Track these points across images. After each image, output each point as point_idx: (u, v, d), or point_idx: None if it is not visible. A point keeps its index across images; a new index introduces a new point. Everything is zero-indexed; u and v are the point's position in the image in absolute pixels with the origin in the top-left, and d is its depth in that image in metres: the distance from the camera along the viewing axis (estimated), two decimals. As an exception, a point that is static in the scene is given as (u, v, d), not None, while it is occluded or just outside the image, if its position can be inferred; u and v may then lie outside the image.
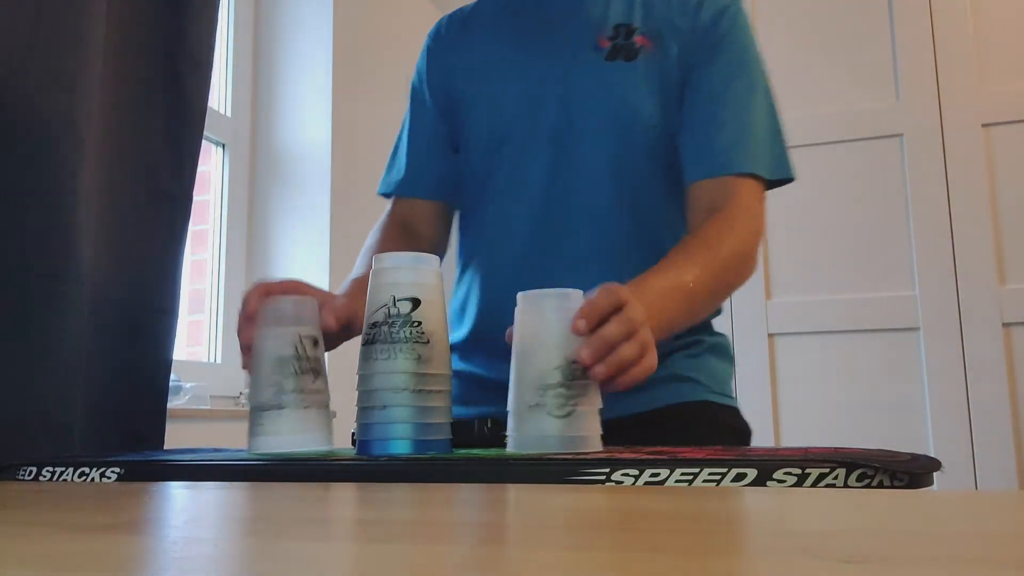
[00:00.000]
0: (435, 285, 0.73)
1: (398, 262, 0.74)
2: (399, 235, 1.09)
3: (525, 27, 1.08)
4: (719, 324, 1.08)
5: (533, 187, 1.00)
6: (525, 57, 1.05)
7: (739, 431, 1.02)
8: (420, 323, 0.71)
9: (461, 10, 1.16)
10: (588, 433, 0.69)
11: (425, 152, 1.12)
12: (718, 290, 0.94)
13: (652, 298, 0.79)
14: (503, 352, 0.73)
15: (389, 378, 0.70)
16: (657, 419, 0.96)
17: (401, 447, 0.70)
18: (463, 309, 1.06)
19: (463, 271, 1.08)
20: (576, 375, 0.68)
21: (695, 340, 1.01)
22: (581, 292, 0.72)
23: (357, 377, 0.72)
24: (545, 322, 0.70)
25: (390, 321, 0.71)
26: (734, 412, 1.03)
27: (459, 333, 1.06)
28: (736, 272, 0.94)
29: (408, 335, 0.70)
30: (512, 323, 0.72)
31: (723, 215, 0.93)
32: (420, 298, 0.71)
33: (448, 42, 1.14)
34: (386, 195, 1.15)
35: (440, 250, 1.13)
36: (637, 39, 1.01)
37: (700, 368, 1.00)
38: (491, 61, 1.07)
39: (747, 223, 0.94)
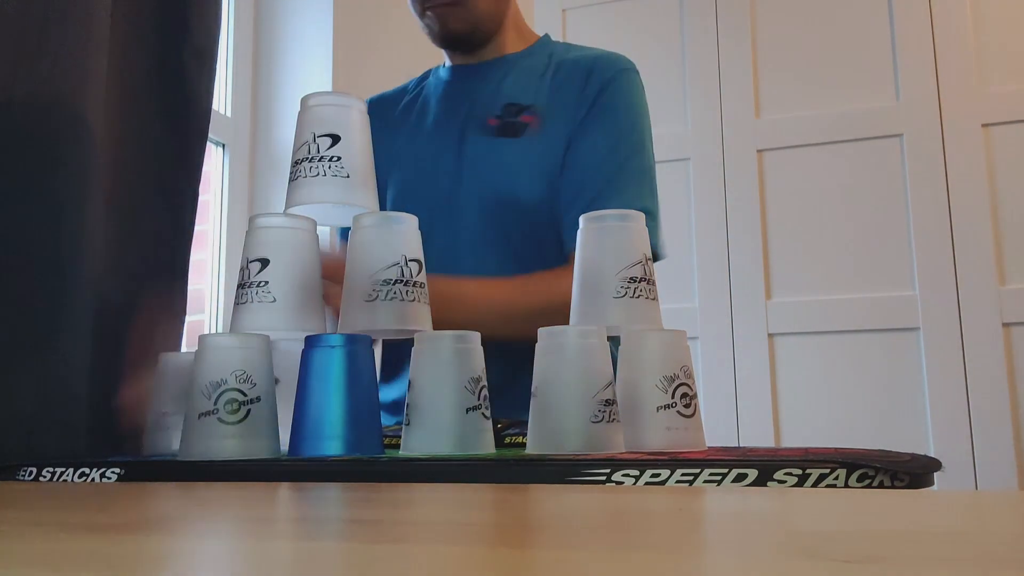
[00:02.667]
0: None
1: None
2: None
3: (430, 113, 1.19)
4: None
5: (435, 258, 1.05)
6: (426, 140, 1.16)
7: None
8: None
9: (380, 98, 1.27)
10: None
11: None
12: (510, 326, 0.94)
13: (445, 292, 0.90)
14: None
15: None
16: None
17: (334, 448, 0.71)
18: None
19: None
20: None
21: None
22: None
23: None
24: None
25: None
26: None
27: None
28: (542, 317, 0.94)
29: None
30: None
31: (554, 272, 1.02)
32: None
33: (377, 128, 1.24)
34: None
35: None
36: (524, 117, 1.11)
37: None
38: (401, 147, 1.17)
39: (560, 287, 0.92)
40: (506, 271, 1.05)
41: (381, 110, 1.22)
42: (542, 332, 0.71)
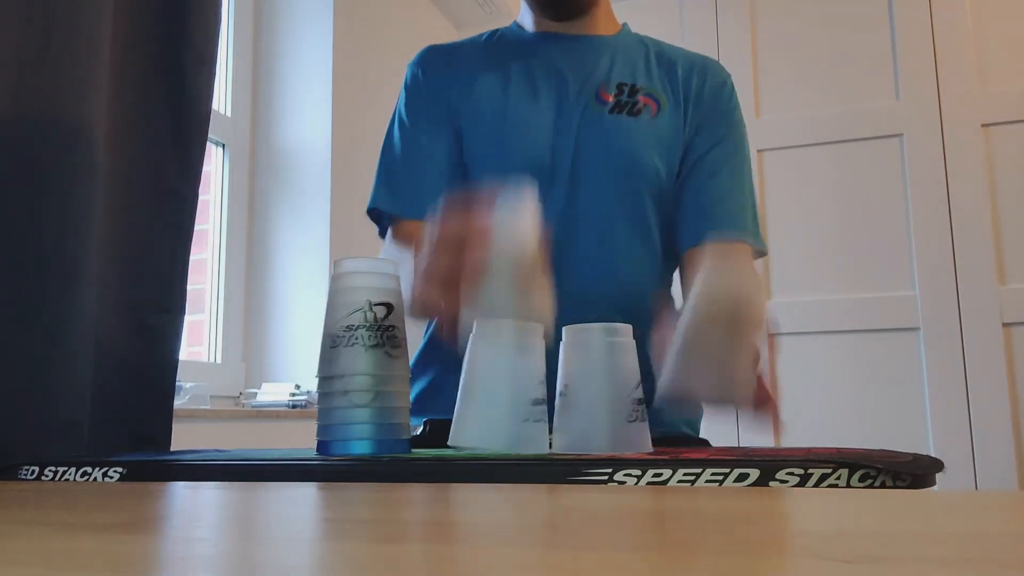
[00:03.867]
0: (399, 291, 0.74)
1: (365, 267, 0.74)
2: None
3: (529, 74, 1.10)
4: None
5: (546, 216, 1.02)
6: (530, 104, 1.07)
7: None
8: (393, 327, 0.72)
9: (440, 46, 1.16)
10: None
11: (432, 173, 1.08)
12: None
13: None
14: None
15: (357, 380, 0.71)
16: None
17: (364, 447, 0.71)
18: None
19: None
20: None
21: None
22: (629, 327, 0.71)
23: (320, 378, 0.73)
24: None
25: (366, 324, 0.71)
26: (703, 441, 1.13)
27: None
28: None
29: (381, 339, 0.71)
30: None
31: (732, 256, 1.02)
32: (392, 303, 0.72)
33: (440, 69, 1.13)
34: (390, 214, 1.08)
35: None
36: (641, 98, 1.08)
37: (680, 413, 1.10)
38: (496, 103, 1.08)
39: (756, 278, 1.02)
40: (634, 240, 1.05)
41: (453, 55, 1.14)
42: (568, 330, 0.71)
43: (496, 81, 1.09)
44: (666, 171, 1.06)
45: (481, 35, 1.17)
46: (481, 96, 1.08)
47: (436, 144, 1.08)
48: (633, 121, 1.06)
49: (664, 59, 1.13)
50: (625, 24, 1.20)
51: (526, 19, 1.16)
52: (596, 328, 0.70)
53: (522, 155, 1.05)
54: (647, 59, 1.13)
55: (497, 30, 1.17)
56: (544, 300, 0.70)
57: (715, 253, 0.93)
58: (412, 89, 1.13)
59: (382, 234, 1.11)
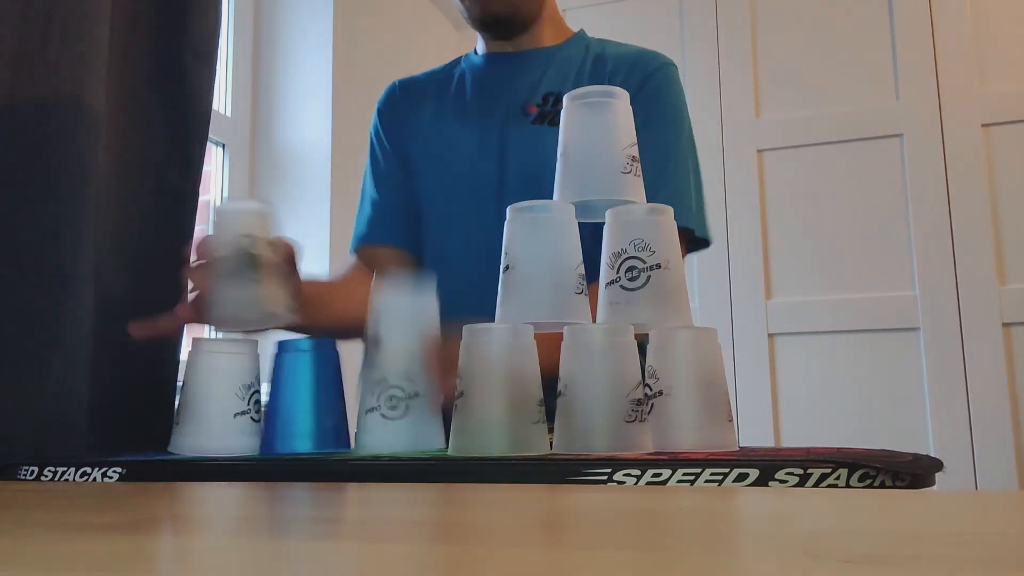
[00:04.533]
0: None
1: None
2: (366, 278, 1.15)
3: (466, 98, 1.19)
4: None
5: (480, 236, 1.10)
6: (464, 125, 1.16)
7: None
8: None
9: (410, 80, 1.27)
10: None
11: (389, 202, 1.21)
12: None
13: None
14: None
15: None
16: None
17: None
18: None
19: None
20: None
21: None
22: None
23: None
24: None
25: None
26: None
27: None
28: None
29: None
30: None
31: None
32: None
33: (399, 108, 1.24)
34: (358, 248, 1.21)
35: None
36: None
37: None
38: (436, 131, 1.18)
39: None
40: None
41: (412, 91, 1.23)
42: (568, 330, 0.71)
43: (438, 113, 1.19)
44: None
45: (444, 65, 1.27)
46: (425, 130, 1.18)
47: (395, 171, 1.21)
48: (553, 132, 1.07)
49: (599, 61, 1.15)
50: (580, 31, 1.24)
51: (480, 42, 1.23)
52: (597, 329, 0.70)
53: (458, 180, 1.14)
54: (582, 64, 1.15)
55: (459, 58, 1.26)
56: (277, 292, 0.76)
57: None
58: (373, 136, 1.26)
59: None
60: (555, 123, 1.09)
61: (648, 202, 0.86)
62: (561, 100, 1.10)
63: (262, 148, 2.30)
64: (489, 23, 1.16)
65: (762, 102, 2.50)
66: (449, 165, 1.15)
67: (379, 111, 1.25)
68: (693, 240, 1.06)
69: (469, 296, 1.07)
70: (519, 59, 1.18)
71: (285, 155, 2.29)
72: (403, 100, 1.24)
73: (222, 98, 2.23)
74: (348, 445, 0.78)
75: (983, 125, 2.30)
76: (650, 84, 1.11)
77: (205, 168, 1.13)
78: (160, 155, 1.08)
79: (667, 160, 1.07)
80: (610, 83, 1.10)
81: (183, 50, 1.10)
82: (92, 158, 0.93)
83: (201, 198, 1.13)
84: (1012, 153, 2.27)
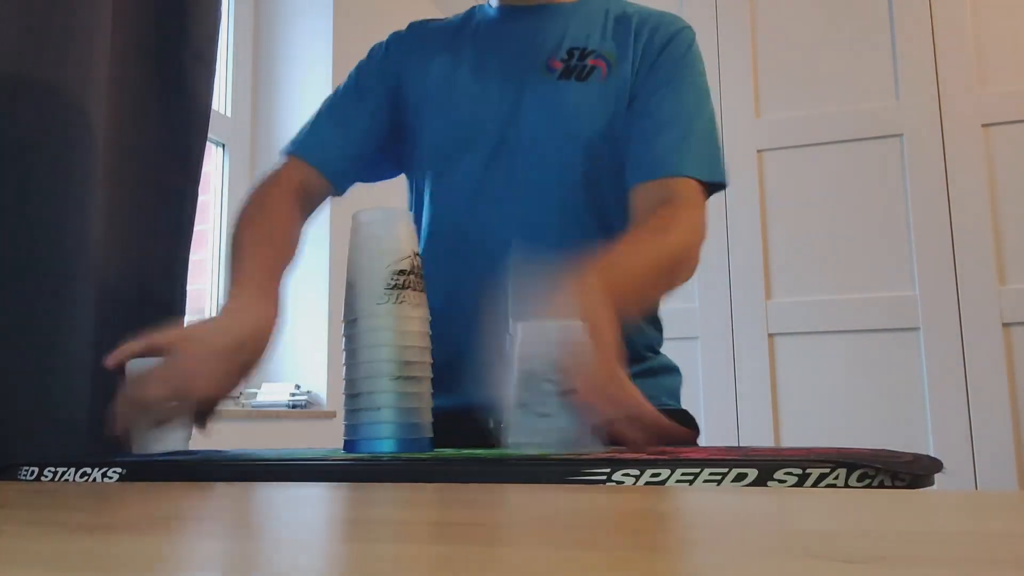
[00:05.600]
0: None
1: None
2: (297, 201, 1.07)
3: (481, 51, 1.14)
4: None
5: (465, 185, 1.07)
6: (478, 78, 1.11)
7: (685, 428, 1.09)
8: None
9: (424, 23, 1.21)
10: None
11: (347, 131, 1.12)
12: (672, 274, 0.98)
13: (628, 281, 0.89)
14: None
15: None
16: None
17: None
18: None
19: None
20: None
21: (647, 368, 1.08)
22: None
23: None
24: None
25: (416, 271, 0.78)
26: (681, 413, 1.09)
27: None
28: (681, 263, 0.99)
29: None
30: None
31: (668, 208, 1.00)
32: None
33: (408, 49, 1.18)
34: (292, 154, 1.10)
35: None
36: (591, 61, 1.08)
37: (654, 386, 1.06)
38: (445, 79, 1.13)
39: (690, 218, 1.00)
40: (567, 209, 1.05)
41: (423, 33, 1.19)
42: (522, 327, 0.72)
43: (448, 62, 1.14)
44: (606, 130, 1.06)
45: (457, 16, 1.22)
46: (431, 76, 1.13)
47: (362, 107, 1.14)
48: (581, 85, 1.07)
49: (622, 19, 1.13)
50: None
51: None
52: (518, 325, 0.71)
53: (457, 129, 1.09)
54: (604, 21, 1.13)
55: (472, 8, 1.21)
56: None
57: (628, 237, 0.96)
58: (372, 55, 1.19)
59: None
60: (581, 78, 1.07)
61: (675, 153, 0.96)
62: (586, 55, 1.10)
63: (262, 148, 2.30)
64: None
65: (762, 102, 2.50)
66: (453, 122, 1.10)
67: (385, 44, 1.19)
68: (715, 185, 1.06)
69: (449, 240, 1.07)
70: (538, 12, 1.15)
71: (285, 155, 2.29)
72: (411, 43, 1.18)
73: (222, 98, 2.23)
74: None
75: (983, 125, 2.30)
76: (674, 42, 1.11)
77: (205, 168, 1.13)
78: (160, 155, 1.08)
79: (692, 118, 1.06)
80: (635, 40, 1.10)
81: (183, 52, 1.10)
82: (93, 159, 0.93)
83: (201, 198, 1.13)
84: (1012, 153, 2.27)
